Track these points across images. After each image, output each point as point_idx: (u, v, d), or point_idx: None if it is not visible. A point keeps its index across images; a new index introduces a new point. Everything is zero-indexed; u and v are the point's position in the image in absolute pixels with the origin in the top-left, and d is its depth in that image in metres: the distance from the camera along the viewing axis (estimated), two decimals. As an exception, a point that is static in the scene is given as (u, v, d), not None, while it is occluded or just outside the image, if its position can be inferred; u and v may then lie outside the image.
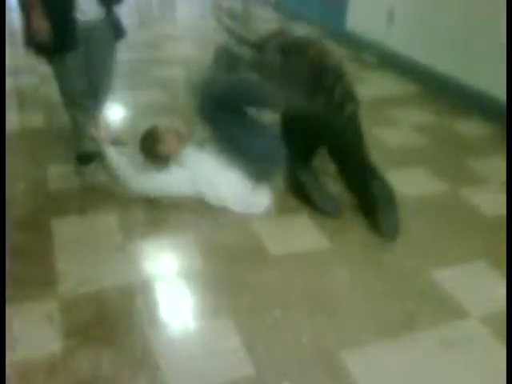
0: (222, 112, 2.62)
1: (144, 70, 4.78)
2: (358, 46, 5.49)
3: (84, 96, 2.93)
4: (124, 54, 5.21)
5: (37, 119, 3.69)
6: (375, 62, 5.12)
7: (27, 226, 2.53)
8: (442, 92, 4.32)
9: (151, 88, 4.33)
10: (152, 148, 2.75)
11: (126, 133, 3.34)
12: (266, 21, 6.82)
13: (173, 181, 2.68)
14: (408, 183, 2.95)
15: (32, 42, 2.71)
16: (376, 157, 2.84)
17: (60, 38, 2.70)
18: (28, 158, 3.17)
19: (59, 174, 2.96)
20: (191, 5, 7.82)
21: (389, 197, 2.61)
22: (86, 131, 2.87)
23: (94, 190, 2.81)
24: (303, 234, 2.55)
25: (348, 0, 5.68)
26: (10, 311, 1.95)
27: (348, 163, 2.72)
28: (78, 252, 2.35)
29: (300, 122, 2.74)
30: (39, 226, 2.52)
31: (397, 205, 2.61)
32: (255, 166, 2.68)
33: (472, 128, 3.76)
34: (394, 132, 3.68)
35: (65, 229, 2.51)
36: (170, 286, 2.19)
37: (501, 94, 3.63)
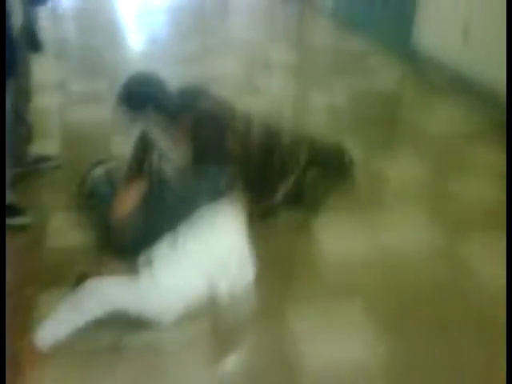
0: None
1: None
2: (425, 65, 4.78)
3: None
4: (161, 70, 4.80)
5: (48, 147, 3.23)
6: (446, 86, 4.39)
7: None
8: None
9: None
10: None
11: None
12: (319, 31, 6.23)
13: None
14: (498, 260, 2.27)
15: None
16: (453, 218, 2.35)
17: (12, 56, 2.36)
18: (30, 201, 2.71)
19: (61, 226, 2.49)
20: (245, 15, 7.31)
21: None
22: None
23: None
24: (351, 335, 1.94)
25: (416, 10, 4.99)
26: None
27: None
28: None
29: None
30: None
31: None
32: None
33: None
34: (473, 181, 2.98)
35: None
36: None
37: None
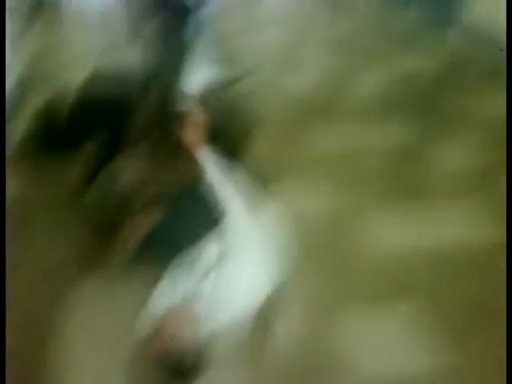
0: None
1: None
2: (476, 42, 4.54)
3: None
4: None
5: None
6: (498, 66, 4.14)
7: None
8: None
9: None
10: None
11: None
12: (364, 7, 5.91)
13: None
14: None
15: None
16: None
17: None
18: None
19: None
20: (286, 28, 6.83)
21: None
22: None
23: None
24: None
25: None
26: None
27: None
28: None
29: None
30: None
31: None
32: None
33: None
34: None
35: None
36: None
37: None
